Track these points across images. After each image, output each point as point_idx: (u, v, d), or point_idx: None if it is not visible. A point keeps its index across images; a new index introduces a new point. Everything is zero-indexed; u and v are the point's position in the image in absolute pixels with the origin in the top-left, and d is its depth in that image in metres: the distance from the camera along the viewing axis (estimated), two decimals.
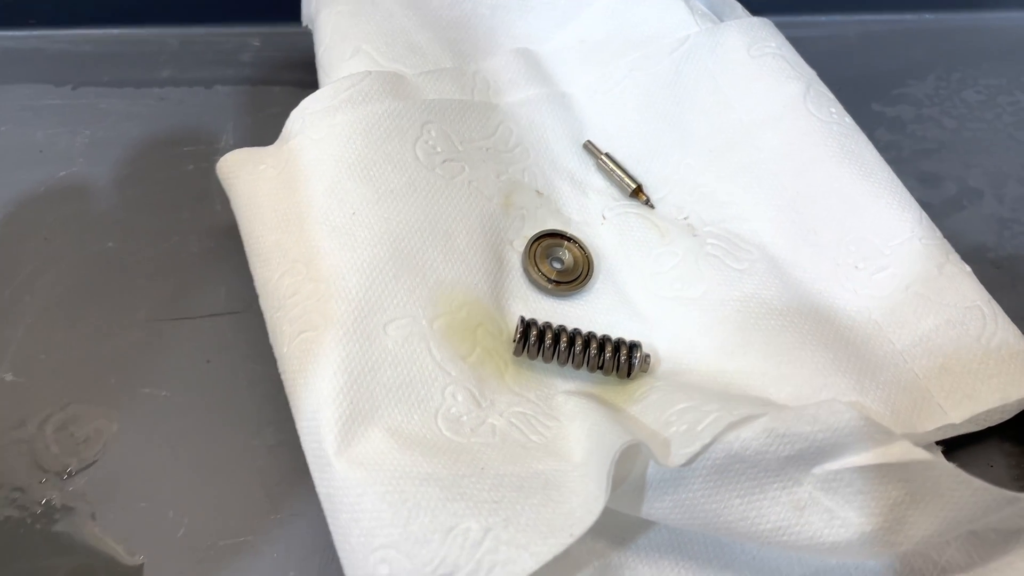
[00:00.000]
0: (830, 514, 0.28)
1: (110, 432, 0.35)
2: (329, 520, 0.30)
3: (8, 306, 0.38)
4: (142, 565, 0.32)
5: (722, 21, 0.45)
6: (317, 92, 0.40)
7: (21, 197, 0.42)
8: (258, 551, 0.33)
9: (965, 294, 0.36)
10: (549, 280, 0.38)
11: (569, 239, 0.40)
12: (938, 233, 0.38)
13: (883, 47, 0.55)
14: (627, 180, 0.42)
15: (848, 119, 0.41)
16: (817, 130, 0.40)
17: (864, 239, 0.38)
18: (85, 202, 0.42)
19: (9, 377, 0.36)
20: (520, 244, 0.39)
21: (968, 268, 0.37)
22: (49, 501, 0.33)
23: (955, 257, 0.37)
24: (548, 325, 0.35)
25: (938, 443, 0.35)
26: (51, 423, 0.35)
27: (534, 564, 0.26)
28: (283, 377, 0.33)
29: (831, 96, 0.42)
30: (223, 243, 0.41)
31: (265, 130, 0.45)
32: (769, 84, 0.42)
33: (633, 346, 0.35)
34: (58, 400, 0.36)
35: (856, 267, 0.38)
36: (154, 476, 0.34)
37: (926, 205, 0.39)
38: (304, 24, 0.47)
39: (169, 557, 0.32)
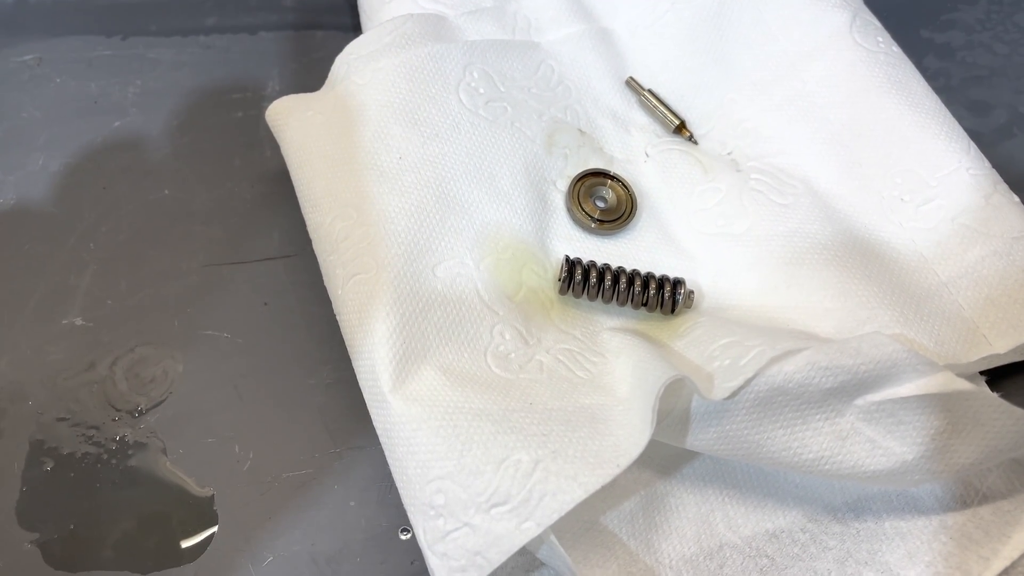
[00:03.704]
0: (872, 444, 0.29)
1: (176, 372, 0.37)
2: (387, 453, 0.31)
3: (74, 254, 0.40)
4: (212, 496, 0.34)
5: None
6: (360, 37, 0.40)
7: (80, 148, 0.43)
8: (320, 483, 0.34)
9: (1012, 224, 0.36)
10: (593, 219, 0.38)
11: (612, 177, 0.40)
12: (986, 163, 0.38)
13: None
14: (670, 116, 0.42)
15: (895, 48, 0.41)
16: (863, 60, 0.40)
17: (910, 171, 0.38)
18: (140, 151, 0.43)
19: (79, 321, 0.38)
20: (563, 184, 0.39)
21: (1016, 198, 0.37)
22: (123, 438, 0.35)
23: (1003, 187, 0.37)
24: (592, 263, 0.36)
25: (982, 374, 0.35)
26: (120, 364, 0.37)
27: (583, 493, 0.27)
28: (339, 319, 0.34)
29: (878, 25, 0.41)
30: (274, 188, 0.42)
31: (310, 75, 0.46)
32: (814, 14, 0.41)
33: (677, 283, 0.36)
34: (126, 343, 0.38)
35: (902, 199, 0.37)
36: (219, 413, 0.36)
37: (975, 134, 0.39)
38: None
39: (236, 489, 0.34)
